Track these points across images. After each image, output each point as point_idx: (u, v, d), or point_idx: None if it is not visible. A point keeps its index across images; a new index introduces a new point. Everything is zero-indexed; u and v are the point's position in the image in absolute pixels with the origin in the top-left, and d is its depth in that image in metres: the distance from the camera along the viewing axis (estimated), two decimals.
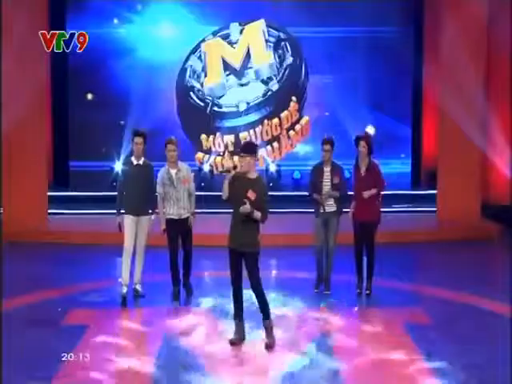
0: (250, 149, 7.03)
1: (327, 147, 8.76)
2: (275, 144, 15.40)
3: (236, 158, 15.12)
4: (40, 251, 11.77)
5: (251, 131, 15.33)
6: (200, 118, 15.37)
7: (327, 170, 8.79)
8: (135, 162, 8.72)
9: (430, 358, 6.60)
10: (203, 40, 15.43)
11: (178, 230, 8.75)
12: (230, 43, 15.42)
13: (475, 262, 11.06)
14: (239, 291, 7.16)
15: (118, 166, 14.77)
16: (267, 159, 15.38)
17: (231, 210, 7.07)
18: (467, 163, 13.01)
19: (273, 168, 15.37)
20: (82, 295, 9.13)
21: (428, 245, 11.93)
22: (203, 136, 15.31)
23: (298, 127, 15.43)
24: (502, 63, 13.54)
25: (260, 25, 15.27)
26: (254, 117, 15.34)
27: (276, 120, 15.33)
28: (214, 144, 15.44)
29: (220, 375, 6.44)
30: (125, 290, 8.67)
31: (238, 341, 7.11)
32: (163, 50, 15.41)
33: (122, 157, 14.68)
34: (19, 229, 12.47)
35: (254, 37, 15.28)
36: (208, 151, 15.43)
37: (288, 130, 15.41)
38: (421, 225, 13.17)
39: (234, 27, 15.39)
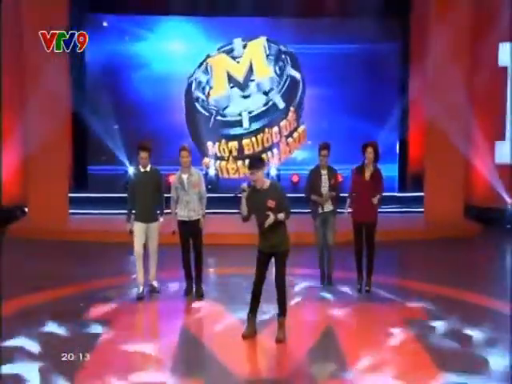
0: (256, 164, 6.78)
1: (324, 152, 8.68)
2: (275, 150, 15.24)
3: (239, 163, 14.99)
4: (61, 248, 11.51)
5: (253, 138, 15.19)
6: (206, 126, 15.15)
7: (324, 172, 8.69)
8: (142, 170, 8.53)
9: None
10: (208, 55, 15.23)
11: (189, 230, 8.50)
12: (234, 57, 15.24)
13: (460, 259, 10.90)
14: (260, 289, 6.90)
15: (131, 170, 14.63)
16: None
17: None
18: (452, 168, 12.90)
19: (273, 172, 15.19)
20: (101, 291, 8.91)
21: (417, 242, 11.78)
22: (209, 143, 15.06)
23: (295, 135, 15.33)
24: (484, 75, 13.35)
25: (261, 42, 15.16)
26: (255, 125, 15.16)
27: (275, 128, 15.14)
28: (219, 150, 15.23)
29: (234, 366, 6.20)
30: (141, 289, 8.53)
31: (250, 335, 6.89)
32: (173, 64, 15.32)
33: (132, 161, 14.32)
34: (43, 227, 12.30)
35: (256, 52, 15.16)
36: (213, 156, 15.23)
37: (287, 137, 15.24)
38: (410, 225, 13.03)
39: (238, 42, 15.20)
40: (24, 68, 12.87)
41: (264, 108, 15.08)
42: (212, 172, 15.09)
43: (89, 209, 14.04)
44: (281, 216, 6.61)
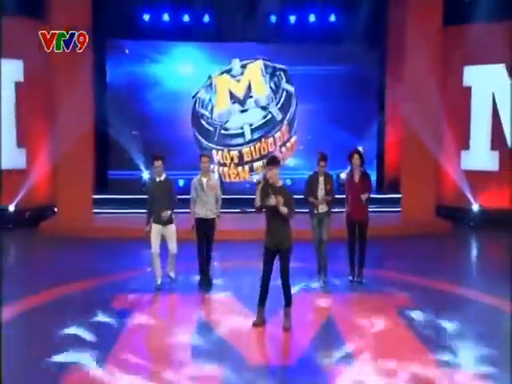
0: (274, 162, 6.93)
1: (322, 163, 8.81)
2: None
3: (240, 168, 15.13)
4: (87, 244, 11.62)
5: (252, 148, 15.32)
6: (210, 138, 15.29)
7: (321, 178, 8.81)
8: (158, 179, 8.67)
9: None
10: (210, 76, 15.32)
11: (205, 227, 8.66)
12: (233, 76, 15.36)
13: (432, 252, 11.13)
14: (268, 282, 6.99)
15: (146, 175, 14.81)
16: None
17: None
18: (424, 173, 13.18)
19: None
20: (124, 282, 9.12)
21: (395, 238, 11.95)
22: (213, 151, 15.21)
23: (288, 145, 15.48)
24: (452, 94, 13.57)
25: (259, 64, 15.32)
26: (254, 136, 15.33)
27: (271, 139, 15.31)
28: (222, 157, 15.39)
29: (246, 350, 6.35)
30: (159, 281, 8.66)
31: (260, 323, 7.00)
32: (182, 83, 15.43)
33: (148, 167, 14.71)
34: (70, 225, 12.45)
35: (255, 73, 15.34)
36: (217, 163, 15.37)
37: (281, 146, 15.40)
38: (389, 223, 13.11)
39: (235, 62, 15.33)
40: (54, 86, 13.02)
41: (263, 121, 15.22)
42: (216, 176, 15.16)
43: (109, 208, 14.14)
44: (283, 209, 6.65)
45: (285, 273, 6.89)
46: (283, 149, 15.35)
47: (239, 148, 15.25)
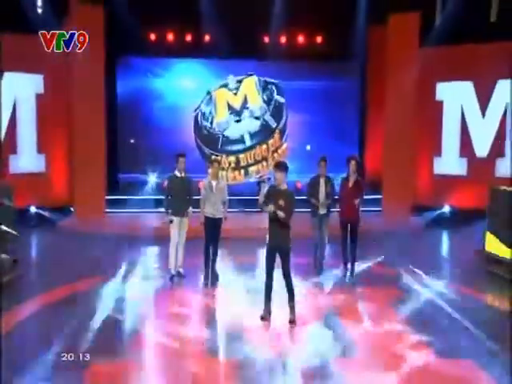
0: (281, 166, 6.82)
1: (323, 163, 8.73)
2: (264, 163, 15.26)
3: (236, 172, 15.05)
4: (101, 240, 11.37)
5: (247, 153, 15.22)
6: (211, 145, 15.16)
7: (322, 180, 8.76)
8: (178, 175, 8.64)
9: None
10: (208, 92, 15.14)
11: (212, 225, 8.62)
12: (230, 90, 15.21)
13: (410, 246, 11.17)
14: (272, 278, 6.94)
15: (152, 178, 14.65)
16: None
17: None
18: (402, 177, 13.29)
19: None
20: (140, 273, 9.05)
21: (377, 234, 11.91)
22: (213, 157, 15.02)
23: (280, 151, 15.37)
24: (426, 107, 13.63)
25: (254, 79, 15.24)
26: (249, 143, 15.23)
27: (264, 146, 15.23)
28: (221, 162, 15.15)
29: (256, 343, 6.32)
30: (172, 271, 8.63)
31: (267, 316, 6.94)
32: (183, 96, 15.29)
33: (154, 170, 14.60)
34: (85, 223, 12.27)
35: (250, 87, 15.24)
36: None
37: (273, 152, 15.30)
38: (371, 220, 12.91)
39: (231, 78, 15.17)
40: (71, 97, 12.90)
41: (258, 129, 15.14)
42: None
43: (120, 208, 14.02)
44: (280, 214, 6.57)
45: (286, 270, 6.84)
46: (275, 154, 15.28)
47: (237, 154, 15.14)
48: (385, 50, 13.44)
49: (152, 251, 10.77)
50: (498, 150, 12.96)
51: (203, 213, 8.63)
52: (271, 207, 6.58)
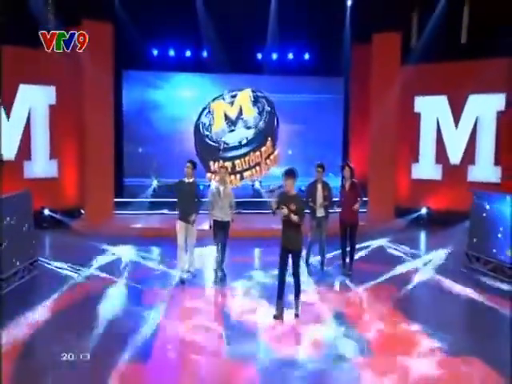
0: (290, 173, 6.46)
1: (320, 170, 8.45)
2: (257, 168, 14.95)
3: (232, 177, 14.65)
4: (109, 240, 10.84)
5: (242, 159, 14.89)
6: (209, 151, 14.74)
7: (319, 185, 8.50)
8: (186, 181, 8.22)
9: None
10: (209, 103, 14.75)
11: (221, 228, 8.28)
12: (226, 102, 14.82)
13: (392, 243, 11.00)
14: (284, 278, 6.63)
15: (155, 182, 14.15)
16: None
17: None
18: (385, 181, 12.98)
19: (257, 184, 14.97)
20: (152, 273, 8.69)
21: (363, 234, 11.34)
22: (211, 162, 14.65)
23: (272, 157, 15.08)
24: (405, 118, 13.39)
25: (248, 92, 14.89)
26: (244, 150, 14.87)
27: (258, 152, 14.91)
28: (218, 167, 14.68)
29: (271, 341, 5.99)
30: (183, 274, 8.17)
31: (280, 315, 6.61)
32: (183, 107, 14.79)
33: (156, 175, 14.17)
34: (96, 223, 11.75)
35: (244, 100, 14.90)
36: (213, 172, 14.71)
37: (266, 158, 14.98)
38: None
39: (226, 93, 14.80)
40: (81, 108, 12.36)
41: (252, 137, 14.80)
42: (213, 184, 14.61)
43: (124, 210, 13.49)
44: (293, 218, 6.26)
45: (296, 269, 6.57)
46: (268, 160, 14.95)
47: (233, 160, 14.75)
48: (368, 67, 13.18)
49: (161, 251, 10.32)
50: (469, 157, 12.83)
51: (212, 216, 8.22)
52: (285, 210, 6.25)
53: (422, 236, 12.42)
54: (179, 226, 8.16)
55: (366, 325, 6.41)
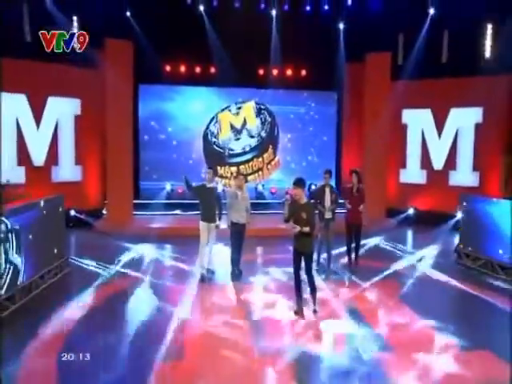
0: (298, 183, 6.22)
1: (327, 175, 8.20)
2: (260, 172, 14.66)
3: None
4: (130, 239, 10.52)
5: (246, 165, 14.57)
6: (216, 157, 14.39)
7: (327, 189, 8.23)
8: (208, 185, 7.95)
9: None
10: (217, 113, 14.41)
11: (238, 229, 8.03)
12: (232, 112, 14.51)
13: (386, 242, 10.86)
14: (299, 276, 6.41)
15: (168, 186, 13.82)
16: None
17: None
18: (377, 184, 12.75)
19: (260, 187, 14.65)
20: (171, 271, 8.36)
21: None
22: (218, 167, 14.35)
23: (273, 163, 14.80)
24: (394, 128, 13.20)
25: (252, 104, 14.60)
26: (248, 156, 14.57)
27: (260, 158, 14.62)
28: (224, 172, 14.56)
29: (296, 337, 5.72)
30: (204, 271, 7.90)
31: (300, 311, 6.37)
32: (193, 117, 14.42)
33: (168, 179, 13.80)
34: (117, 223, 11.44)
35: (248, 111, 14.61)
36: (220, 176, 14.47)
37: (267, 164, 14.70)
38: None
39: (232, 105, 14.49)
40: (104, 118, 11.98)
41: (256, 144, 14.50)
42: (220, 187, 14.36)
43: (141, 211, 13.11)
44: (305, 229, 6.04)
45: (309, 269, 6.34)
46: (269, 166, 14.68)
47: (238, 165, 14.45)
48: (360, 83, 13.04)
49: (179, 249, 9.98)
50: (450, 163, 12.76)
51: (230, 217, 7.97)
52: (297, 229, 6.04)
53: (412, 234, 12.27)
54: (202, 226, 7.93)
55: (380, 320, 6.21)
